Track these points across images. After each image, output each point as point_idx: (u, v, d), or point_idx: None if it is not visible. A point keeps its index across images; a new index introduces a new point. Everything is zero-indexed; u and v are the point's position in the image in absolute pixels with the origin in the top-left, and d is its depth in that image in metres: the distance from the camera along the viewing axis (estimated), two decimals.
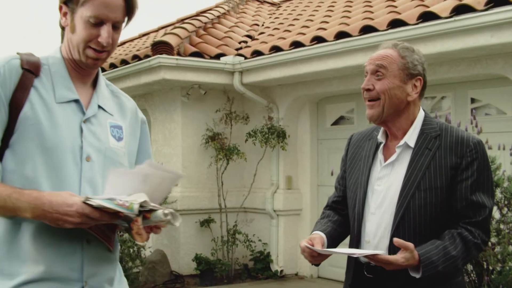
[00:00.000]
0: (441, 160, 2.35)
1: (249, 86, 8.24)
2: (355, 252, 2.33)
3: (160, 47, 7.59)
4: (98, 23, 1.94)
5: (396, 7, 6.96)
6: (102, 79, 2.17)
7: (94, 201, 1.78)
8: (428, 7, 6.05)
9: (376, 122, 2.46)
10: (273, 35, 8.68)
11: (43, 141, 1.89)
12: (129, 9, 2.01)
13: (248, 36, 9.34)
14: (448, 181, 2.32)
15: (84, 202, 1.78)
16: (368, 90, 2.42)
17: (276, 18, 10.65)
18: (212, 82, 8.06)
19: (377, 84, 2.40)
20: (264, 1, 12.59)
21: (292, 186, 8.40)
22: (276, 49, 7.61)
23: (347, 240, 2.64)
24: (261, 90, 8.49)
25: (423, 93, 2.47)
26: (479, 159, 2.34)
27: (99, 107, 2.07)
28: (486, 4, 5.28)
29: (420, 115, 2.48)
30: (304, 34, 7.69)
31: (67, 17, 1.99)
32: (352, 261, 2.51)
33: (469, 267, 4.38)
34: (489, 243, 4.15)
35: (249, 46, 8.52)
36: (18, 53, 1.99)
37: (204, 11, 10.24)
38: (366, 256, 2.29)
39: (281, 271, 8.28)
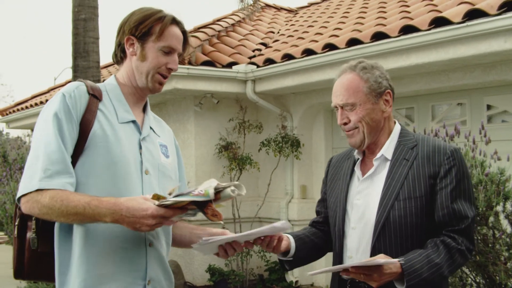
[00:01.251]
0: (419, 169, 2.35)
1: (262, 95, 8.15)
2: (340, 267, 2.26)
3: None
4: (168, 52, 2.28)
5: (409, 12, 6.82)
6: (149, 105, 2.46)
7: (168, 200, 1.97)
8: (441, 12, 5.90)
9: (360, 148, 2.47)
10: (286, 43, 8.58)
11: (111, 156, 2.14)
12: (185, 44, 2.37)
13: (263, 44, 9.25)
14: (428, 190, 2.32)
15: (158, 205, 1.98)
16: (344, 124, 2.43)
17: (292, 25, 10.55)
18: (224, 91, 7.99)
19: (351, 115, 2.40)
20: (281, 8, 12.50)
21: (306, 195, 8.28)
22: (288, 57, 7.52)
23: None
24: (275, 99, 8.39)
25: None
26: (457, 165, 2.33)
27: (150, 128, 2.36)
28: (499, 8, 5.13)
29: (397, 128, 2.49)
30: (316, 41, 7.58)
31: (135, 47, 2.28)
32: (336, 279, 2.48)
33: (482, 281, 4.22)
34: (502, 258, 4.00)
35: (262, 54, 8.43)
36: (81, 80, 2.27)
37: (220, 19, 10.18)
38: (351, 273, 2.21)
39: (296, 281, 8.15)
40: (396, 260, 2.18)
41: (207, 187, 1.99)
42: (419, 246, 2.29)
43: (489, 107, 6.29)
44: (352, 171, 2.52)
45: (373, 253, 2.32)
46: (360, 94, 2.36)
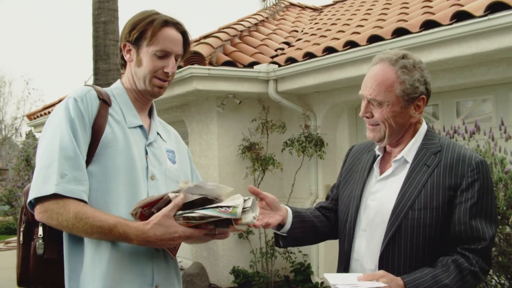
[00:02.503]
0: (439, 178, 2.17)
1: (285, 94, 8.06)
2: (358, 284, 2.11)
3: (192, 58, 7.48)
4: (163, 55, 2.24)
5: (431, 7, 6.67)
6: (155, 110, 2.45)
7: (196, 212, 1.99)
8: (462, 6, 5.74)
9: (378, 144, 2.34)
10: (309, 41, 8.49)
11: (123, 161, 2.14)
12: (185, 44, 2.32)
13: (286, 43, 9.17)
14: (445, 202, 2.14)
15: (185, 221, 2.00)
16: (366, 118, 2.28)
17: (316, 23, 10.45)
18: (246, 91, 7.92)
19: (375, 111, 2.23)
20: (306, 7, 12.41)
21: None
22: (309, 55, 7.42)
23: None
24: (298, 98, 8.30)
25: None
26: (481, 180, 2.14)
27: (157, 133, 2.36)
28: None
29: (422, 129, 2.32)
30: (338, 39, 7.48)
31: (131, 53, 2.27)
32: None
33: (506, 283, 4.08)
34: None
35: (284, 54, 8.35)
36: (91, 85, 2.25)
37: (243, 19, 10.13)
38: None
39: (322, 282, 8.06)
40: (398, 278, 2.07)
41: (235, 204, 2.00)
42: (430, 259, 2.16)
43: None
44: (371, 167, 2.39)
45: (381, 262, 2.21)
46: (391, 94, 2.19)
